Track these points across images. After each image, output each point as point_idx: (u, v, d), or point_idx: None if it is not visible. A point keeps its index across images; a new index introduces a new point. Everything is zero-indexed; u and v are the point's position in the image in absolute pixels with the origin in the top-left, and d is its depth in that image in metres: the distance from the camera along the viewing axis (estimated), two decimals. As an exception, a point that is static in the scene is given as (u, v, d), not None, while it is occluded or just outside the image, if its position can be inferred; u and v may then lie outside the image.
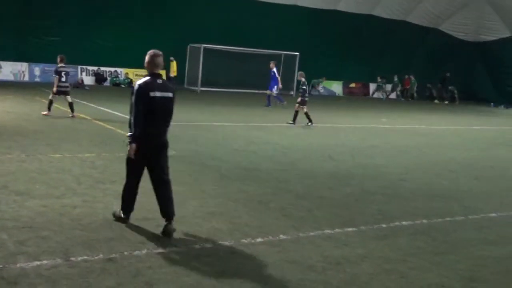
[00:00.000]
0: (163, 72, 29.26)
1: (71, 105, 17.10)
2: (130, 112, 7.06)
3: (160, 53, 7.32)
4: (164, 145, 7.37)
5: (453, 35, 42.67)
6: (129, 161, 7.28)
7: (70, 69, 18.91)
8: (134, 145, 7.02)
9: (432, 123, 24.79)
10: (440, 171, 13.03)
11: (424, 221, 8.64)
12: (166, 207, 7.21)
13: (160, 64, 7.29)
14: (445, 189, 11.18)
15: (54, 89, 16.88)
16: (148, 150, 7.17)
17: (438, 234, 8.00)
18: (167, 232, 7.05)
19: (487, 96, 40.93)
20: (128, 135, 7.10)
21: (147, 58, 7.26)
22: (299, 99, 19.79)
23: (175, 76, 31.15)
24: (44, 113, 16.83)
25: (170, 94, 7.31)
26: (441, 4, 40.07)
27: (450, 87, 41.16)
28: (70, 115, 16.94)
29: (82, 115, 17.64)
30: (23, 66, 28.68)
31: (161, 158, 7.33)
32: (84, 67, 30.18)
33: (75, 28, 29.58)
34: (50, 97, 17.02)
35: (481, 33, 42.43)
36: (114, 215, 7.53)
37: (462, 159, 15.06)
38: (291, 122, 19.61)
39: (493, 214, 9.44)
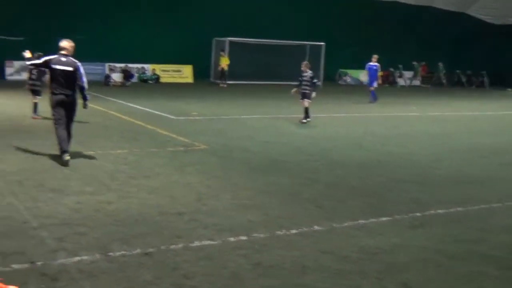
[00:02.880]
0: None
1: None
2: None
3: (65, 41, 10.64)
4: (71, 103, 10.54)
5: (481, 18, 41.91)
6: (53, 112, 10.56)
7: None
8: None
9: (462, 109, 24.47)
10: (472, 158, 12.88)
11: (459, 208, 8.55)
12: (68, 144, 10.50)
13: (64, 48, 10.55)
14: (478, 175, 11.04)
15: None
16: (62, 103, 10.43)
17: (474, 222, 7.91)
18: (66, 163, 10.12)
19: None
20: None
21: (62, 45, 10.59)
22: (314, 94, 17.25)
23: (224, 69, 30.97)
24: None
25: (70, 68, 10.42)
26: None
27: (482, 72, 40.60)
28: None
29: (112, 112, 17.82)
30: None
31: (69, 111, 10.55)
32: (112, 64, 30.39)
33: (101, 25, 29.74)
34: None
35: (509, 15, 41.56)
36: (63, 163, 10.13)
37: (494, 145, 14.84)
38: (308, 119, 17.37)
39: (529, 200, 9.32)
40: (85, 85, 10.68)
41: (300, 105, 17.57)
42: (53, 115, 10.59)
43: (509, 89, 38.09)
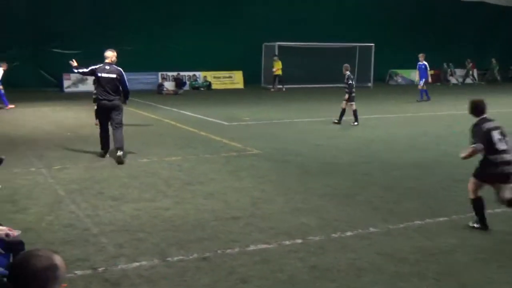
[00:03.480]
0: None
1: None
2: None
3: (109, 51, 11.63)
4: (114, 107, 11.43)
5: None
6: (96, 115, 12.33)
7: None
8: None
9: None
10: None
11: (519, 207, 8.30)
12: (118, 143, 11.40)
13: (107, 57, 11.50)
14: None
15: None
16: (103, 108, 11.57)
17: (535, 220, 7.68)
18: (119, 160, 11.17)
19: None
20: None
21: (106, 54, 11.59)
22: (346, 96, 17.19)
23: (279, 74, 31.03)
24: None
25: (113, 75, 11.39)
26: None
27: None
28: None
29: (165, 120, 18.08)
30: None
31: (113, 114, 11.44)
32: (164, 73, 30.83)
33: (152, 36, 30.21)
34: None
35: None
36: (100, 155, 11.80)
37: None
38: (337, 121, 17.37)
39: None
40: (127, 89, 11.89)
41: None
42: (96, 119, 12.44)
43: None
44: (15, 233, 5.03)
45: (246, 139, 14.32)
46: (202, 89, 31.20)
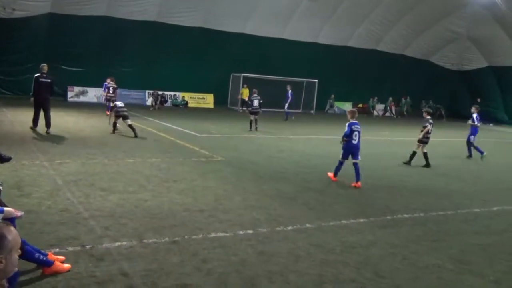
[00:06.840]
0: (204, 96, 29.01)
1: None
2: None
3: (44, 65, 14.74)
4: (46, 99, 14.50)
5: (441, 65, 41.90)
6: (34, 105, 14.51)
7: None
8: (32, 98, 14.48)
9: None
10: (433, 175, 12.77)
11: (421, 214, 8.48)
12: (48, 122, 14.48)
13: (43, 69, 14.54)
14: (437, 188, 10.96)
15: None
16: (39, 101, 14.38)
17: (433, 225, 7.84)
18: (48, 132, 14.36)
19: (468, 114, 39.75)
20: (30, 94, 14.56)
21: (42, 67, 14.70)
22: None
23: (246, 100, 31.05)
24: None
25: (48, 80, 14.48)
26: (432, 40, 39.38)
27: (437, 106, 40.29)
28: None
29: (150, 129, 17.84)
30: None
31: (45, 104, 14.48)
32: (151, 91, 30.44)
33: (144, 61, 29.93)
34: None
35: (464, 63, 41.53)
36: (31, 127, 14.71)
37: (448, 166, 14.72)
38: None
39: (477, 210, 9.22)
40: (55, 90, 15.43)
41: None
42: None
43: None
44: (18, 214, 4.85)
45: (213, 148, 14.24)
46: (180, 106, 30.93)
